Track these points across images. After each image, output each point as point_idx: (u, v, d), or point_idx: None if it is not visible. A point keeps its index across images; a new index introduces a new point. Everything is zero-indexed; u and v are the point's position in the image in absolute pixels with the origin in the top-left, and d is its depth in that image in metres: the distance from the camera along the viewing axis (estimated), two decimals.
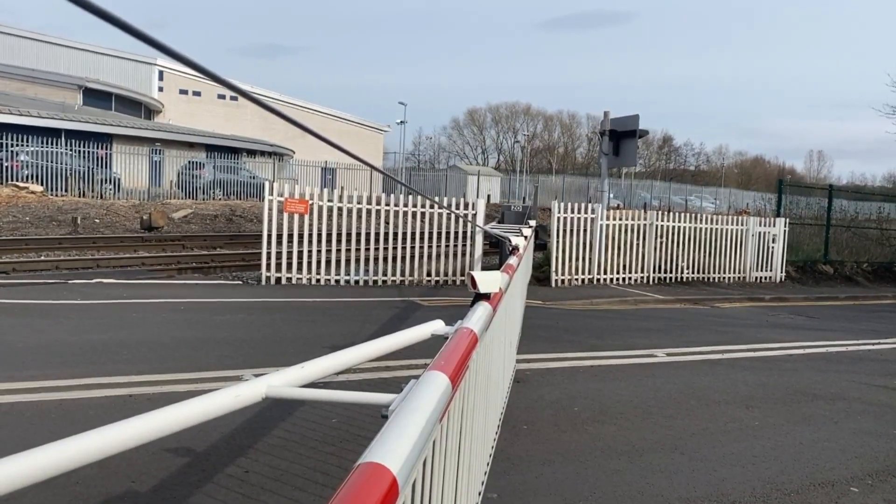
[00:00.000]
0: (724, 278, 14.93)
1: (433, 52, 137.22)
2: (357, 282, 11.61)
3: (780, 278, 15.75)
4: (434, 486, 1.66)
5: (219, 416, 1.68)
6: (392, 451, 1.12)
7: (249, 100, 1.38)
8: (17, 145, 23.74)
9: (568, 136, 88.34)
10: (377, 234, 11.63)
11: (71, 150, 24.84)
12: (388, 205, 11.89)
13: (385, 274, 11.78)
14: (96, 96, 36.57)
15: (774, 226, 15.74)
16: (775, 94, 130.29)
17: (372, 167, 2.56)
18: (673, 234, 14.37)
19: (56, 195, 22.67)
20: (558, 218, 13.13)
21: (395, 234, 11.82)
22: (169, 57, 1.06)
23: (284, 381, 1.66)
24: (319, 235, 11.29)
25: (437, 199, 9.51)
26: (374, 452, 1.10)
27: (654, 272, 14.13)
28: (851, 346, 8.98)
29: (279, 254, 11.12)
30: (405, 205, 12.00)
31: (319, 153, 35.02)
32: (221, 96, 47.14)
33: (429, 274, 12.14)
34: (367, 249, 11.73)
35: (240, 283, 11.23)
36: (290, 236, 11.13)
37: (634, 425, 5.05)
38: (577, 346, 7.69)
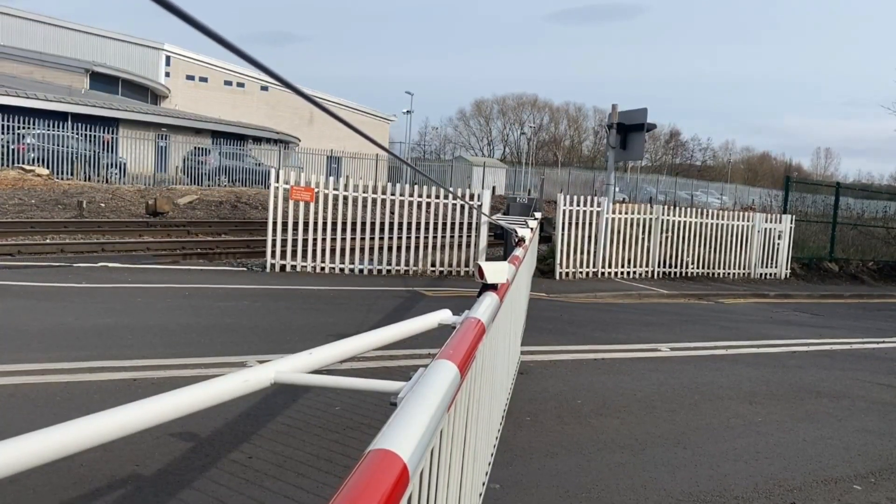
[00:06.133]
0: (728, 274, 14.88)
1: (441, 42, 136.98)
2: (361, 271, 11.61)
3: (785, 275, 15.70)
4: (440, 475, 1.65)
5: (225, 402, 1.67)
6: (403, 438, 1.11)
7: (268, 73, 1.36)
8: (24, 128, 23.78)
9: (574, 128, 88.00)
10: (382, 224, 11.61)
11: (77, 134, 24.88)
12: (393, 194, 11.87)
13: (390, 263, 11.77)
14: (103, 80, 36.54)
15: (780, 222, 15.68)
16: (784, 91, 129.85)
17: (381, 147, 2.55)
18: (678, 228, 14.32)
19: (62, 179, 22.71)
20: (564, 211, 13.09)
21: (401, 224, 11.81)
22: (189, 24, 1.03)
23: (293, 367, 1.66)
24: (325, 224, 11.27)
25: (443, 188, 9.50)
26: (385, 439, 1.09)
27: (658, 267, 14.09)
28: (856, 343, 8.95)
29: (284, 241, 11.12)
30: (410, 194, 11.98)
31: (325, 142, 34.96)
32: (228, 83, 47.07)
33: (433, 264, 12.13)
34: (373, 239, 11.72)
35: (244, 269, 11.24)
36: (296, 224, 11.12)
37: (637, 419, 5.05)
38: (580, 339, 7.68)
